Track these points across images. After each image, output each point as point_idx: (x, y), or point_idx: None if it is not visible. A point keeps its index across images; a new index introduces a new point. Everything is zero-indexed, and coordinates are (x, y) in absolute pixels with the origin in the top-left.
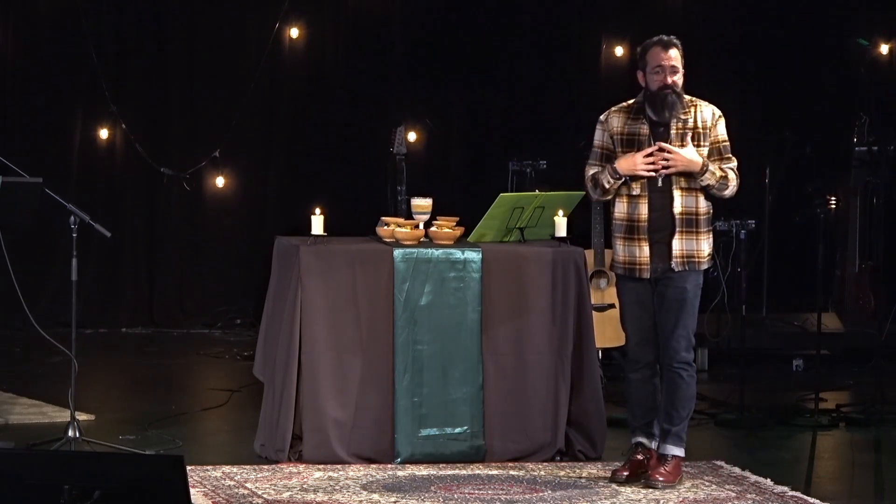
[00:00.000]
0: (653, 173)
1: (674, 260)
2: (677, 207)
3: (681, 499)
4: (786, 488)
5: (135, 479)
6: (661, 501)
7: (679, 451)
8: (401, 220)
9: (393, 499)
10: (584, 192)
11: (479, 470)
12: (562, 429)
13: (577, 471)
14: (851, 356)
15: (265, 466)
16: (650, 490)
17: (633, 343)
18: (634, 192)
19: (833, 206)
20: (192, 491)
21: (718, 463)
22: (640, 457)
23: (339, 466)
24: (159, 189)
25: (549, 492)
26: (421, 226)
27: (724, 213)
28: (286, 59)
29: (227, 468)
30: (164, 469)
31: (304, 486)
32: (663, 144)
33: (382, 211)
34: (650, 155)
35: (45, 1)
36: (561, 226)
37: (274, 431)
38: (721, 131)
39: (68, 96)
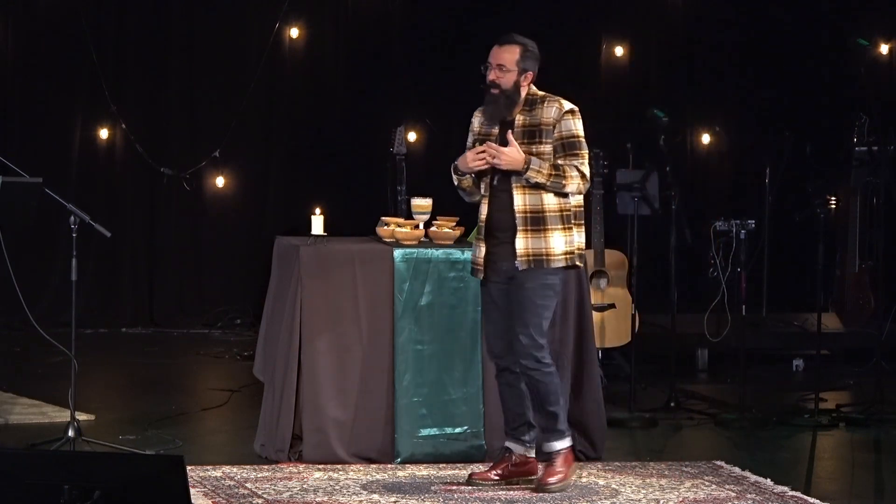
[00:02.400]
0: (485, 165)
1: (518, 259)
2: (517, 206)
3: (681, 499)
4: (786, 488)
5: (135, 479)
6: (661, 501)
7: (562, 444)
8: (401, 220)
9: (393, 499)
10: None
11: (479, 470)
12: None
13: (577, 471)
14: (851, 356)
15: (265, 466)
16: (650, 489)
17: (489, 344)
18: (484, 193)
19: (833, 206)
20: (192, 491)
21: (718, 463)
22: (512, 461)
23: (339, 466)
24: (159, 189)
25: None
26: (421, 226)
27: (725, 213)
28: (286, 59)
29: (227, 468)
30: (164, 469)
31: (304, 486)
32: (489, 143)
33: (382, 211)
34: (482, 153)
35: (45, 1)
36: None
37: (274, 431)
38: (568, 126)
39: (68, 96)
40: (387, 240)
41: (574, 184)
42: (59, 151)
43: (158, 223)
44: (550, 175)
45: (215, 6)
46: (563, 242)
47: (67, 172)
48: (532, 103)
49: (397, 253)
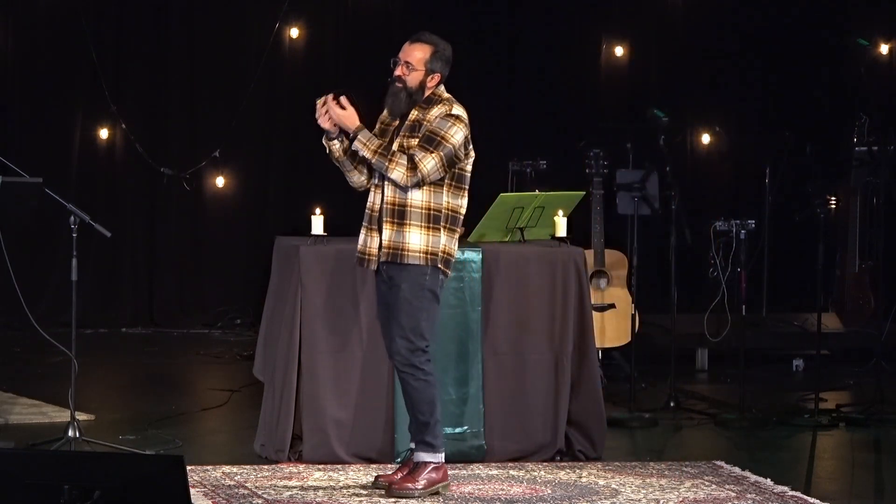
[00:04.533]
0: (327, 123)
1: (382, 250)
2: (386, 197)
3: (681, 499)
4: (786, 488)
5: (135, 479)
6: (661, 501)
7: (430, 457)
8: None
9: (392, 499)
10: (584, 192)
11: (479, 470)
12: (562, 429)
13: (577, 471)
14: (851, 356)
15: (265, 466)
16: (650, 489)
17: (385, 343)
18: (375, 182)
19: (833, 206)
20: (192, 491)
21: (718, 463)
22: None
23: (339, 466)
24: (159, 189)
25: (549, 492)
26: None
27: (725, 213)
28: (286, 59)
29: (227, 468)
30: (164, 469)
31: (304, 486)
32: (327, 97)
33: None
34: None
35: (45, 1)
36: (561, 226)
37: (274, 431)
38: (441, 125)
39: (68, 96)
40: None
41: (398, 172)
42: (59, 151)
43: (158, 223)
44: (376, 153)
45: (215, 6)
46: (422, 240)
47: (67, 172)
48: (430, 102)
49: None
